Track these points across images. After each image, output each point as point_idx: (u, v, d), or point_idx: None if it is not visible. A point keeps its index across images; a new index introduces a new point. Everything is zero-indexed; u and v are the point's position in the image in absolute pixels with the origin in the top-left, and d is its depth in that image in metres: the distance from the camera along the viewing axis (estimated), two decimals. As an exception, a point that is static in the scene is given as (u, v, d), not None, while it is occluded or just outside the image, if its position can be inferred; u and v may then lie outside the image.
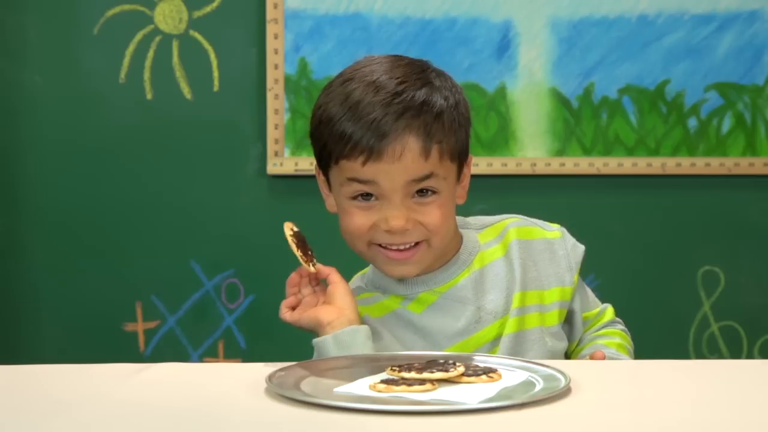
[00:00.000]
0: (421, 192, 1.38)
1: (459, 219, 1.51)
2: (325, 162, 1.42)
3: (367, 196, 1.38)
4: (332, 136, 1.38)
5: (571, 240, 1.52)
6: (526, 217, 1.53)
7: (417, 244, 1.39)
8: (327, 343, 1.36)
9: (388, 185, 1.36)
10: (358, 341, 1.35)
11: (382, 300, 1.46)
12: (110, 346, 2.56)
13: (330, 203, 1.46)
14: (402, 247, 1.39)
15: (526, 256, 1.48)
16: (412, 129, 1.35)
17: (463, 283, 1.44)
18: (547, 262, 1.48)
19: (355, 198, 1.39)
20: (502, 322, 1.43)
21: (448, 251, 1.46)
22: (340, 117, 1.37)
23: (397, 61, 1.42)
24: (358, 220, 1.39)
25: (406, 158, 1.34)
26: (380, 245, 1.39)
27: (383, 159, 1.34)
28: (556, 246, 1.49)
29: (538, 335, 1.42)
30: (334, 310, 1.38)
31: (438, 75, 1.42)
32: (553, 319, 1.46)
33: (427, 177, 1.36)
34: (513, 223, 1.51)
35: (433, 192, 1.38)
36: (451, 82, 1.43)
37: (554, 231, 1.51)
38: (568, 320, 1.50)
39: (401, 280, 1.45)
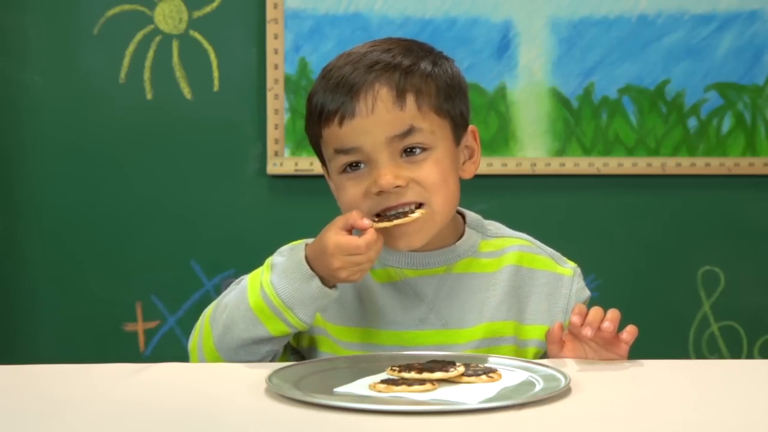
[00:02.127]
0: (409, 151, 1.32)
1: (475, 217, 1.47)
2: (318, 146, 1.39)
3: (355, 166, 1.33)
4: (312, 112, 1.36)
5: (580, 283, 1.45)
6: (542, 245, 1.47)
7: (419, 206, 1.33)
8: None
9: (368, 143, 1.31)
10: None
11: None
12: (110, 346, 2.56)
13: (333, 190, 1.42)
14: (401, 210, 1.32)
15: (519, 285, 1.42)
16: (382, 80, 1.32)
17: (430, 281, 1.40)
18: (542, 297, 1.43)
19: (344, 171, 1.34)
20: (451, 334, 1.39)
21: (447, 236, 1.41)
22: (316, 90, 1.36)
23: (382, 42, 1.39)
24: (351, 191, 1.33)
25: (379, 109, 1.30)
26: (379, 216, 1.33)
27: (356, 114, 1.30)
28: (562, 284, 1.44)
29: None
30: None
31: (420, 45, 1.39)
32: (527, 355, 1.40)
33: (410, 132, 1.31)
34: (520, 247, 1.45)
35: (423, 149, 1.33)
36: (438, 52, 1.39)
37: (567, 268, 1.45)
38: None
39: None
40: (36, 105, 2.54)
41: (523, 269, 1.44)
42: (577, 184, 2.58)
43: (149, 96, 2.55)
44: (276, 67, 2.52)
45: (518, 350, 1.41)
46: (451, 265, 1.41)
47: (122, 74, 2.54)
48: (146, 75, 2.55)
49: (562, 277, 1.44)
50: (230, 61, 2.55)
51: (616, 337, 1.30)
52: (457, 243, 1.42)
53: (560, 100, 2.55)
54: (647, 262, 2.60)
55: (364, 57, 1.35)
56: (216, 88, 2.55)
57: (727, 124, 2.57)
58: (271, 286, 1.32)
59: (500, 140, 2.54)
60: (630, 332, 1.29)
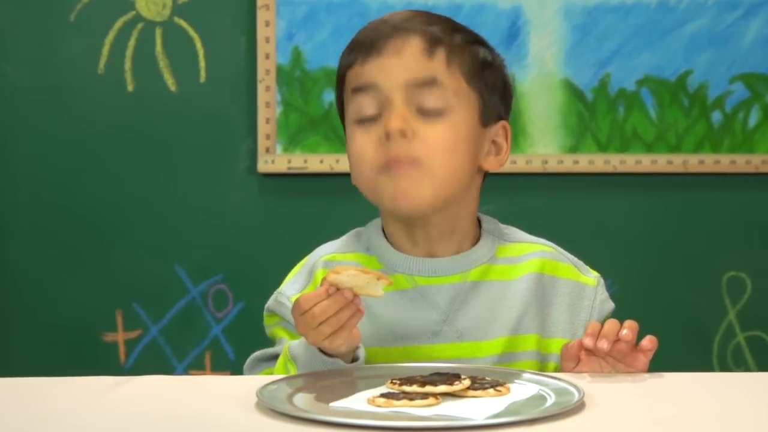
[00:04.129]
0: (429, 113, 1.36)
1: (492, 221, 1.47)
2: (342, 105, 1.43)
3: (371, 119, 1.37)
4: (343, 53, 1.42)
5: (603, 294, 1.46)
6: (564, 252, 1.48)
7: (417, 164, 1.35)
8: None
9: (386, 84, 1.36)
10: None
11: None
12: (88, 358, 2.56)
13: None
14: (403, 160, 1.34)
15: (541, 294, 1.43)
16: (418, 30, 1.38)
17: (443, 289, 1.40)
18: (563, 307, 1.43)
19: (360, 122, 1.38)
20: (468, 347, 1.39)
21: (462, 241, 1.43)
22: (354, 36, 1.43)
23: (417, 11, 1.45)
24: (362, 140, 1.37)
25: (406, 52, 1.36)
26: (385, 171, 1.35)
27: (383, 53, 1.36)
28: (585, 294, 1.44)
29: None
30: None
31: (463, 28, 1.45)
32: (550, 370, 1.40)
33: (431, 82, 1.36)
34: (542, 253, 1.45)
35: (440, 112, 1.36)
36: (482, 40, 1.45)
37: (591, 278, 1.46)
38: None
39: (400, 248, 1.42)
40: (8, 97, 2.54)
41: (545, 277, 1.44)
42: (591, 183, 2.58)
43: (130, 88, 2.55)
44: (267, 56, 2.53)
45: (540, 365, 1.41)
46: (467, 272, 1.42)
47: (101, 64, 2.55)
48: (127, 65, 2.55)
49: (585, 287, 1.45)
50: (218, 51, 2.55)
51: (634, 349, 1.29)
52: (473, 248, 1.43)
53: (574, 92, 2.55)
54: (668, 267, 2.61)
55: (408, 11, 1.43)
56: (202, 79, 2.56)
57: (754, 118, 2.58)
58: None
59: (509, 136, 2.54)
60: (649, 342, 1.29)
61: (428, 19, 1.41)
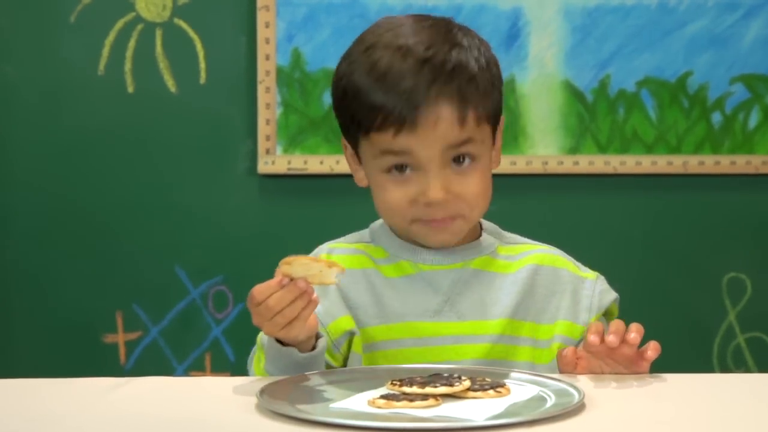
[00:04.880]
0: (458, 159, 1.39)
1: (493, 226, 1.52)
2: (353, 134, 1.43)
3: (401, 168, 1.39)
4: (361, 109, 1.39)
5: (604, 285, 1.50)
6: (565, 254, 1.52)
7: (453, 218, 1.41)
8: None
9: (423, 155, 1.37)
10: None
11: (358, 255, 1.47)
12: (88, 359, 2.56)
13: (359, 177, 1.47)
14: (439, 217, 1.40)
15: (539, 284, 1.47)
16: (446, 96, 1.37)
17: (446, 274, 1.45)
18: (566, 293, 1.47)
19: (389, 171, 1.40)
20: (468, 326, 1.43)
21: (466, 236, 1.47)
22: (368, 88, 1.38)
23: (420, 22, 1.44)
24: (396, 194, 1.40)
25: (441, 127, 1.37)
26: (421, 220, 1.40)
27: (417, 129, 1.36)
28: (584, 285, 1.48)
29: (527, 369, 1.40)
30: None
31: (465, 34, 1.44)
32: (551, 355, 1.43)
33: (465, 142, 1.39)
34: (542, 250, 1.51)
35: (471, 158, 1.40)
36: (479, 39, 1.45)
37: (589, 273, 1.51)
38: None
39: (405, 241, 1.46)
40: (8, 98, 2.54)
41: (544, 268, 1.48)
42: (591, 184, 2.58)
43: (130, 89, 2.55)
44: (267, 57, 2.53)
45: (535, 351, 1.44)
46: (469, 261, 1.46)
47: (101, 65, 2.55)
48: (127, 66, 2.55)
49: (585, 279, 1.49)
50: (218, 52, 2.55)
51: (637, 353, 1.30)
52: (474, 242, 1.48)
53: (574, 93, 2.55)
54: (668, 268, 2.60)
55: (425, 66, 1.38)
56: (202, 80, 2.56)
57: (754, 119, 2.58)
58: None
59: (509, 137, 2.54)
60: (654, 349, 1.30)
61: (440, 57, 1.38)
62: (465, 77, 1.39)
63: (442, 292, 1.44)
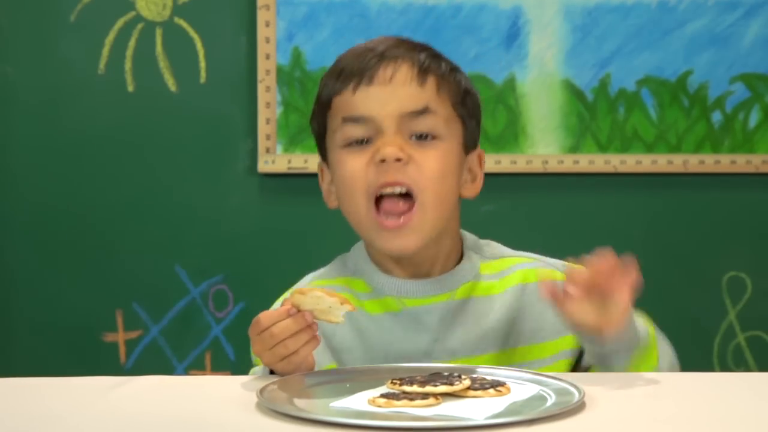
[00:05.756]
0: (420, 137, 1.38)
1: (472, 238, 1.49)
2: (322, 134, 1.43)
3: (362, 142, 1.38)
4: (329, 79, 1.42)
5: None
6: (544, 258, 1.49)
7: (410, 209, 1.37)
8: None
9: (380, 113, 1.36)
10: None
11: (340, 292, 1.44)
12: (88, 358, 2.56)
13: (331, 200, 1.45)
14: (397, 190, 1.36)
15: (528, 302, 1.44)
16: (407, 57, 1.39)
17: (432, 309, 1.42)
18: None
19: (349, 145, 1.39)
20: (461, 363, 1.39)
21: (446, 260, 1.44)
22: (337, 60, 1.43)
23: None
24: (354, 162, 1.38)
25: (397, 80, 1.37)
26: (377, 209, 1.37)
27: (374, 82, 1.37)
28: None
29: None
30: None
31: (443, 56, 1.46)
32: (560, 369, 1.42)
33: (425, 111, 1.37)
34: (524, 265, 1.47)
35: (434, 137, 1.38)
36: (458, 67, 1.47)
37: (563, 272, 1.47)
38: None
39: (387, 271, 1.43)
40: (8, 98, 2.54)
41: (529, 286, 1.45)
42: (592, 183, 2.58)
43: (131, 88, 2.55)
44: (267, 57, 2.53)
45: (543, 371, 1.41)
46: (454, 291, 1.43)
47: (101, 65, 2.55)
48: (127, 65, 2.55)
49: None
50: (218, 51, 2.55)
51: (617, 280, 1.28)
52: (457, 267, 1.45)
53: (574, 92, 2.55)
54: (668, 267, 2.60)
55: (392, 40, 1.43)
56: (203, 79, 2.56)
57: (754, 118, 2.58)
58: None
59: (509, 136, 2.55)
60: (630, 267, 1.29)
61: (413, 46, 1.43)
62: (431, 52, 1.42)
63: (430, 330, 1.41)
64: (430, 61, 1.40)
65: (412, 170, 1.36)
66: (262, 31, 2.52)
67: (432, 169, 1.37)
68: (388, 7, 2.51)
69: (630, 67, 2.56)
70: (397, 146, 1.36)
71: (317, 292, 1.23)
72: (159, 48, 2.55)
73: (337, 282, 1.45)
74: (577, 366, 1.45)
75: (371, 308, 1.43)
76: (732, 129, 2.57)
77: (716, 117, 2.57)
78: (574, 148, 2.56)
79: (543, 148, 2.55)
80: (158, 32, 2.55)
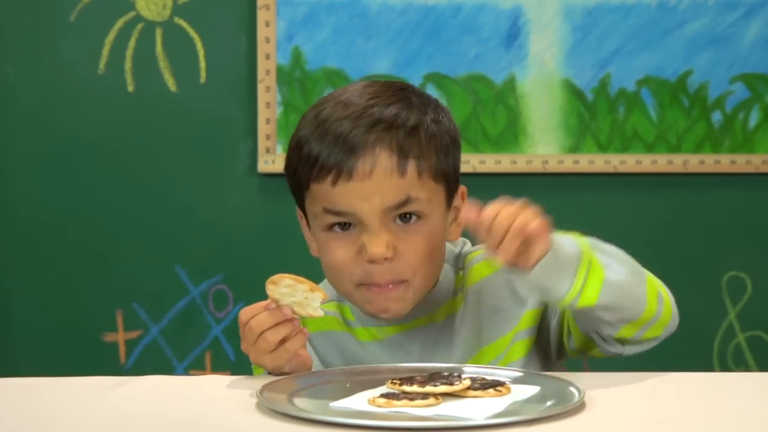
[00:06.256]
0: (404, 217, 1.34)
1: (450, 249, 1.46)
2: (300, 194, 1.40)
3: (344, 226, 1.35)
4: (301, 160, 1.36)
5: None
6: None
7: (400, 282, 1.35)
8: None
9: (363, 209, 1.32)
10: None
11: (330, 316, 1.44)
12: (88, 358, 2.56)
13: (314, 248, 1.42)
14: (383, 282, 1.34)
15: (488, 299, 1.43)
16: (384, 143, 1.33)
17: (414, 335, 1.42)
18: (509, 293, 1.43)
19: (331, 229, 1.35)
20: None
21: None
22: (308, 138, 1.35)
23: (375, 82, 1.42)
24: (340, 253, 1.35)
25: (378, 174, 1.32)
26: (366, 286, 1.35)
27: (354, 177, 1.31)
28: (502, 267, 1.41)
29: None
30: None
31: (419, 96, 1.40)
32: (519, 352, 1.41)
33: (406, 201, 1.33)
34: (477, 259, 1.45)
35: (418, 217, 1.35)
36: (436, 103, 1.41)
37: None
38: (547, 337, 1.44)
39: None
40: (9, 98, 2.54)
41: (483, 282, 1.44)
42: (592, 183, 2.58)
43: (131, 88, 2.55)
44: (267, 56, 2.53)
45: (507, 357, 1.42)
46: (433, 314, 1.43)
47: (101, 65, 2.55)
48: (127, 65, 2.55)
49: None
50: (218, 51, 2.55)
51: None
52: (434, 290, 1.42)
53: (574, 92, 2.55)
54: (668, 267, 2.58)
55: (364, 113, 1.35)
56: (203, 79, 2.56)
57: (754, 118, 2.57)
58: None
59: (509, 136, 2.55)
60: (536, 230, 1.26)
61: (390, 121, 1.34)
62: (405, 127, 1.34)
63: (415, 356, 1.41)
64: (408, 141, 1.34)
65: (401, 264, 1.34)
66: (262, 31, 2.52)
67: (419, 255, 1.34)
68: (388, 7, 2.51)
69: (630, 67, 2.56)
70: (383, 244, 1.32)
71: (287, 280, 1.25)
72: (159, 48, 2.55)
73: (329, 307, 1.45)
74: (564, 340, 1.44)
75: (360, 335, 1.44)
76: (732, 129, 2.57)
77: (716, 117, 2.57)
78: (574, 148, 2.56)
79: (543, 148, 2.55)
80: (158, 32, 2.55)
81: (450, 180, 1.39)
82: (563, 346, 1.44)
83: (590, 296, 1.26)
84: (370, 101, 1.36)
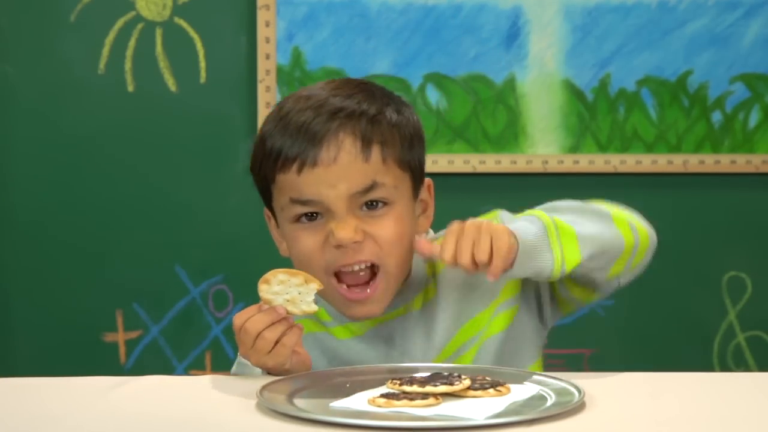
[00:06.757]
0: (371, 204, 1.35)
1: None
2: (267, 191, 1.40)
3: (312, 216, 1.35)
4: (265, 154, 1.37)
5: (507, 216, 1.47)
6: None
7: (373, 276, 1.35)
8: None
9: (329, 196, 1.32)
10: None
11: (306, 318, 1.42)
12: (88, 358, 2.56)
13: (283, 248, 1.42)
14: (356, 268, 1.34)
15: (462, 279, 1.42)
16: (347, 129, 1.34)
17: (394, 325, 1.42)
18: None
19: (299, 220, 1.36)
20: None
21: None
22: (271, 132, 1.36)
23: (337, 79, 1.44)
24: (308, 242, 1.35)
25: (342, 160, 1.32)
26: (338, 279, 1.35)
27: (318, 164, 1.32)
28: None
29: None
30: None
31: (381, 89, 1.41)
32: (502, 323, 1.41)
33: (372, 187, 1.33)
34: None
35: (384, 203, 1.35)
36: (399, 98, 1.42)
37: (489, 213, 1.46)
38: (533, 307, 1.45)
39: None
40: (9, 98, 2.54)
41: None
42: (592, 183, 2.58)
43: (131, 88, 2.55)
44: (267, 57, 2.53)
45: (483, 337, 1.42)
46: (410, 304, 1.43)
47: (101, 65, 2.55)
48: (127, 65, 2.55)
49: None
50: (218, 51, 2.55)
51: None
52: (408, 281, 1.42)
53: (574, 92, 2.55)
54: (668, 267, 2.60)
55: (326, 102, 1.36)
56: (203, 79, 2.56)
57: (754, 118, 2.57)
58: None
59: (509, 136, 2.55)
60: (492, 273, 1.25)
61: (352, 109, 1.36)
62: (368, 115, 1.35)
63: (395, 345, 1.41)
64: (371, 128, 1.34)
65: (370, 246, 1.34)
66: (262, 31, 2.52)
67: (389, 239, 1.34)
68: (388, 7, 2.51)
69: (630, 67, 2.56)
70: (351, 228, 1.32)
71: (281, 275, 1.25)
72: (159, 48, 2.55)
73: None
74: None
75: (338, 333, 1.43)
76: (732, 129, 2.57)
77: (716, 117, 2.57)
78: (574, 148, 2.56)
79: (543, 148, 2.55)
80: (158, 32, 2.55)
81: (416, 171, 1.40)
82: (557, 306, 1.45)
83: (573, 258, 1.32)
84: (331, 93, 1.37)
